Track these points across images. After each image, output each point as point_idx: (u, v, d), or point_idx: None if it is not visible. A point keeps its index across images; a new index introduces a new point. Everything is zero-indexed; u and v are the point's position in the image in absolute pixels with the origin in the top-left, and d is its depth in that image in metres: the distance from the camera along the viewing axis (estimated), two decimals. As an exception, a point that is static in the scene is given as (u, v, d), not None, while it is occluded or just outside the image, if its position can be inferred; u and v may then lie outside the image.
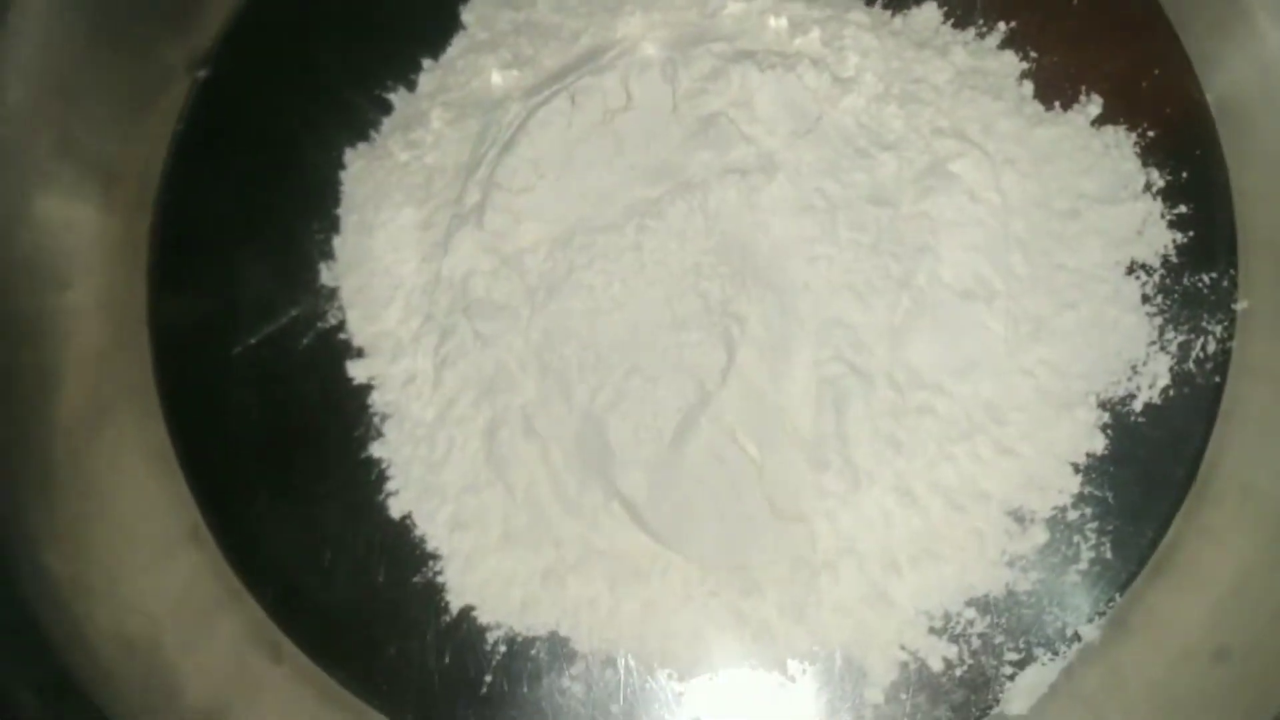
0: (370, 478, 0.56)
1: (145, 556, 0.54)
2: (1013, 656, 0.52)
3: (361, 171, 0.59)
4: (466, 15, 0.62)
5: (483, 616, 0.53)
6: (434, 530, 0.54)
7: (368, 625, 0.54)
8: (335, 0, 0.63)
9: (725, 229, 0.52)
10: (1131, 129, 0.58)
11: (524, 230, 0.53)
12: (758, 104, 0.54)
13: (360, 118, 0.61)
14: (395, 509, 0.55)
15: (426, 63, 0.62)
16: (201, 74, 0.62)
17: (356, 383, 0.57)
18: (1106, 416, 0.54)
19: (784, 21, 0.56)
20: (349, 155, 0.60)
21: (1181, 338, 0.55)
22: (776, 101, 0.53)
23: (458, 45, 0.62)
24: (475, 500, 0.53)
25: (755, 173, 0.52)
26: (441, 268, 0.54)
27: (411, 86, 0.61)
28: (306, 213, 0.60)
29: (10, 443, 0.52)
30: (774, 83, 0.54)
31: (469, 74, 0.59)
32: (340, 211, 0.59)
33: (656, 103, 0.54)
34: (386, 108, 0.61)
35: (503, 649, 0.53)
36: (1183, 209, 0.57)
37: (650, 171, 0.53)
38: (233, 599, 0.55)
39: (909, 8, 0.60)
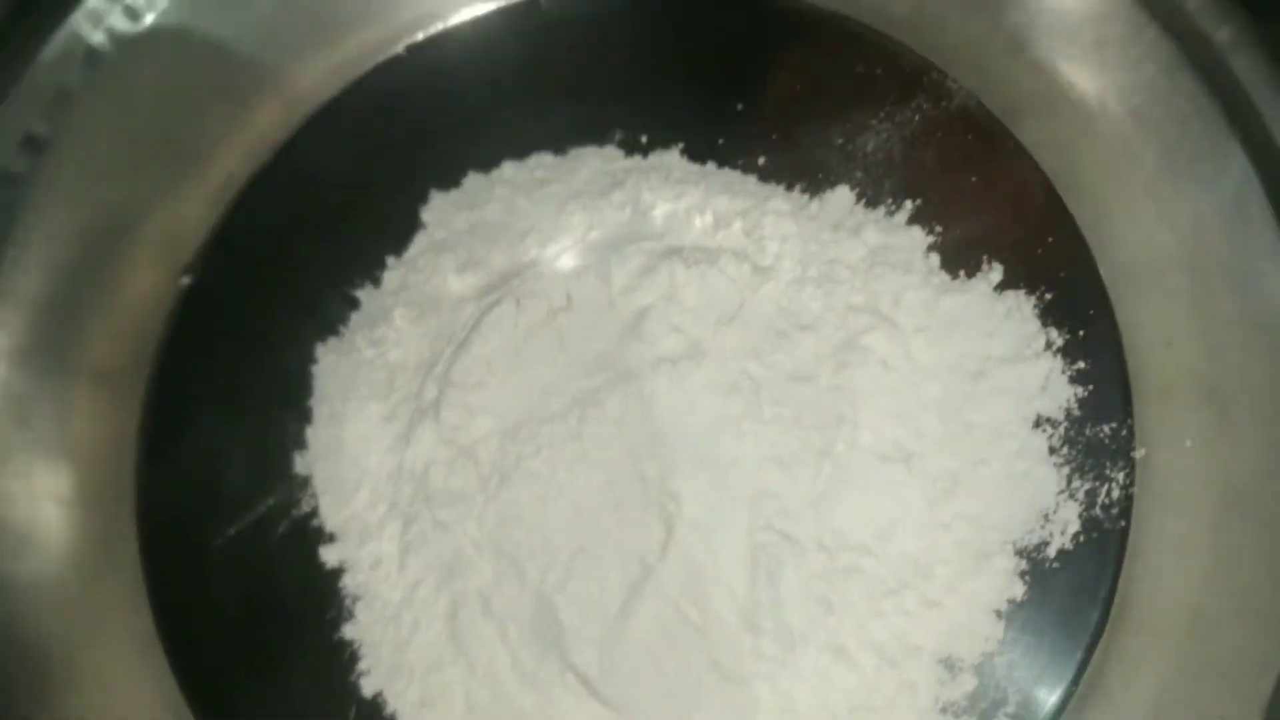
0: (343, 658, 0.59)
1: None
2: (950, 804, 0.55)
3: (331, 366, 0.64)
4: (426, 215, 0.68)
5: (452, 792, 0.56)
6: (404, 708, 0.57)
7: (344, 806, 0.57)
8: (308, 204, 0.69)
9: (659, 413, 0.57)
10: (1030, 292, 0.63)
11: (477, 423, 0.58)
12: (685, 297, 0.59)
13: (330, 314, 0.66)
14: (367, 688, 0.58)
15: (390, 260, 0.67)
16: (185, 281, 0.68)
17: (329, 567, 0.61)
18: (1024, 564, 0.58)
19: (709, 217, 0.63)
20: (320, 350, 0.65)
21: (1087, 485, 0.60)
22: (702, 294, 0.59)
23: (418, 243, 0.67)
24: (440, 678, 0.57)
25: (684, 360, 0.58)
26: (404, 459, 0.59)
27: (377, 283, 0.67)
28: (283, 405, 0.65)
29: (10, 657, 0.55)
30: (699, 277, 0.59)
31: (428, 272, 0.65)
32: (312, 403, 0.64)
33: (594, 300, 0.60)
34: (354, 304, 0.67)
35: (470, 823, 0.56)
36: (1081, 364, 0.62)
37: (589, 364, 0.58)
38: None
39: (824, 190, 0.66)
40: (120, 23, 0.64)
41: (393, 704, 0.58)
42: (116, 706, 0.59)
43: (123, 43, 0.64)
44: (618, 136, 0.69)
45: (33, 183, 0.62)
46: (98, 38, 0.63)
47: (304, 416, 0.64)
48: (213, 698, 0.60)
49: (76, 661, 0.58)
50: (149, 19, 0.65)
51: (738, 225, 0.62)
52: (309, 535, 0.62)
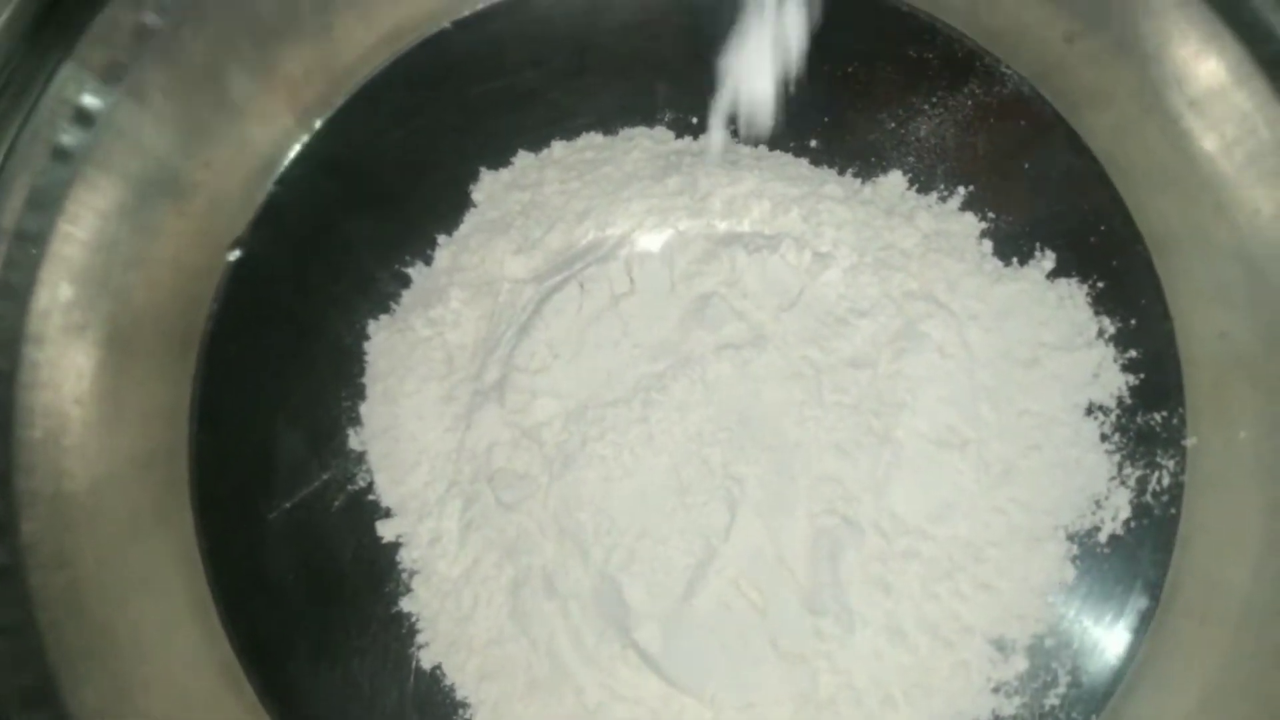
0: (402, 631, 0.60)
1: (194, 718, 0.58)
2: (1000, 779, 0.56)
3: (384, 343, 0.64)
4: (476, 194, 0.68)
5: (512, 761, 0.57)
6: (463, 680, 0.58)
7: (405, 774, 0.58)
8: (355, 182, 0.69)
9: (722, 399, 0.57)
10: (1083, 281, 0.64)
11: (540, 406, 0.58)
12: (747, 283, 0.60)
13: (381, 291, 0.67)
14: (426, 660, 0.59)
15: (441, 238, 0.67)
16: (234, 255, 0.68)
17: (385, 541, 0.61)
18: (1075, 548, 0.59)
19: (766, 204, 0.63)
20: (372, 326, 0.66)
21: (1139, 472, 0.61)
22: (763, 280, 0.59)
23: (470, 222, 0.67)
24: (500, 652, 0.57)
25: (747, 346, 0.58)
26: (464, 439, 0.59)
27: (428, 261, 0.67)
28: (335, 381, 0.65)
29: (68, 618, 0.56)
30: (760, 263, 0.60)
31: (482, 253, 0.65)
32: (365, 380, 0.64)
33: (656, 286, 0.60)
34: (405, 281, 0.67)
35: (531, 792, 0.57)
36: (1133, 353, 0.62)
37: (653, 350, 0.59)
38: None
39: (876, 175, 0.67)
40: (171, -4, 0.63)
41: (451, 676, 0.59)
42: (178, 674, 0.60)
43: (171, 16, 0.63)
44: (668, 117, 0.69)
45: (83, 157, 0.61)
46: (148, 13, 0.62)
47: (357, 393, 0.65)
48: (270, 667, 0.61)
49: (139, 630, 0.59)
50: (199, -8, 0.64)
51: (795, 212, 0.63)
52: (365, 510, 0.62)
